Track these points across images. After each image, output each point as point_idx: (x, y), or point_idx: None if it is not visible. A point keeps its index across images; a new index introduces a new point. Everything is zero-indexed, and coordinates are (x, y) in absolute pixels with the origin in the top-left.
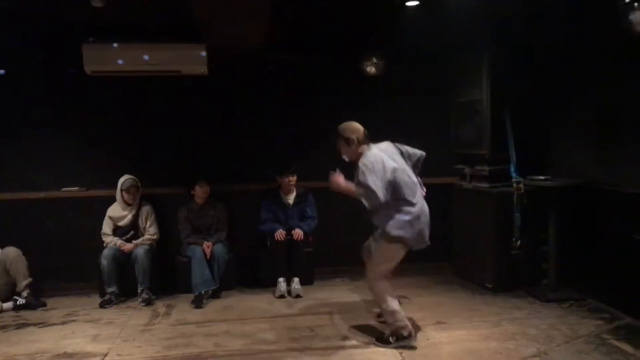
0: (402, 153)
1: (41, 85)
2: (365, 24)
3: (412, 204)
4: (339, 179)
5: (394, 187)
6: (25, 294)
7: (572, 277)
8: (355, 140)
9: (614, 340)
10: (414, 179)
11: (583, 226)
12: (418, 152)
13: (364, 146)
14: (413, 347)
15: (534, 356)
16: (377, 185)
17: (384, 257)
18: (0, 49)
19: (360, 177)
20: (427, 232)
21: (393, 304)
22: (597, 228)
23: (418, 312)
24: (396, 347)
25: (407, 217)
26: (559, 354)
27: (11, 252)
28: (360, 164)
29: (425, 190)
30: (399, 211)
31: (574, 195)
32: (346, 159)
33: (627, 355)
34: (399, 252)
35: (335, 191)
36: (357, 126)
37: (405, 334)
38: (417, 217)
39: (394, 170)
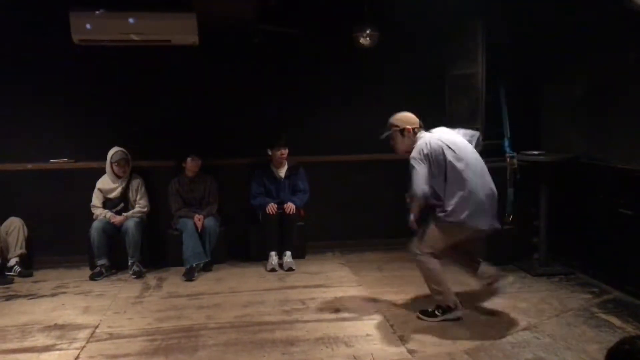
0: None
1: (28, 55)
2: None
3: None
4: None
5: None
6: (14, 262)
7: (562, 251)
8: (412, 130)
9: (602, 314)
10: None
11: (574, 201)
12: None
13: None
14: (458, 319)
15: (524, 329)
16: None
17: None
18: None
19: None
20: None
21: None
22: (587, 203)
23: (410, 286)
24: (442, 320)
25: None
26: (548, 326)
27: (15, 221)
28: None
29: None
30: None
31: (566, 170)
32: (399, 152)
33: (615, 328)
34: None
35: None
36: (412, 116)
37: (452, 305)
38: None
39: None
